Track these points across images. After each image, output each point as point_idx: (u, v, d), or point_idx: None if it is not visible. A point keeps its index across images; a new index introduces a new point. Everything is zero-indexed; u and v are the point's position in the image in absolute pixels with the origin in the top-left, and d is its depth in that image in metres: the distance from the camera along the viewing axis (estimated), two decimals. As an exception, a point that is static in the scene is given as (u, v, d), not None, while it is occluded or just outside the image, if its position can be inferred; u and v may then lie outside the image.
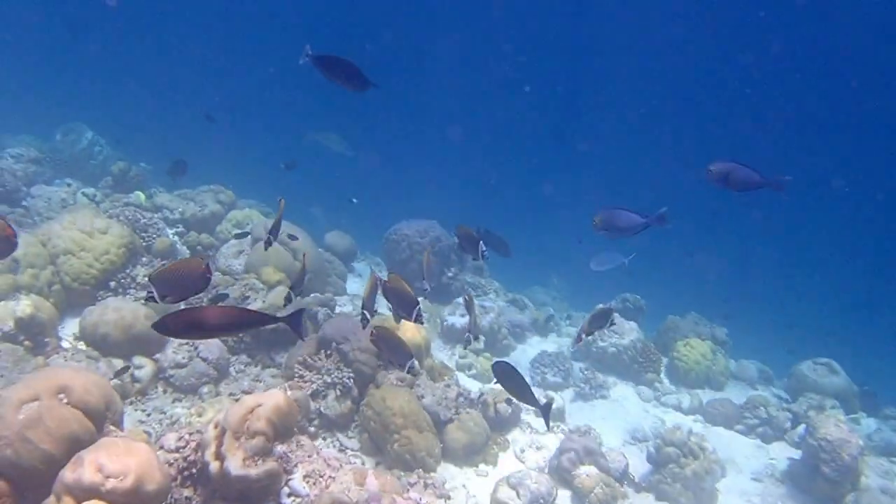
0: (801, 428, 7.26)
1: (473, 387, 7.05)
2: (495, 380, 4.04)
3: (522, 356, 7.98)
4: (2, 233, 3.39)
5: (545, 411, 4.03)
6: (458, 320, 7.64)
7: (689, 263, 17.83)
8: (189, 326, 2.99)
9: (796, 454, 6.73)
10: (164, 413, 5.19)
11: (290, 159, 9.09)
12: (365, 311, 4.19)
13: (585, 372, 7.78)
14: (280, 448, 4.39)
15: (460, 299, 7.97)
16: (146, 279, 3.29)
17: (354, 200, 9.73)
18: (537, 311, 9.51)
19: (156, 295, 3.15)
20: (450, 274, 8.45)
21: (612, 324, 3.96)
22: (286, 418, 4.43)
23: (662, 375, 8.42)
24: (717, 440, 6.84)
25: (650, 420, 7.32)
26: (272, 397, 4.42)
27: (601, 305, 9.09)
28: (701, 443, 6.02)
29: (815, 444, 6.15)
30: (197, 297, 3.80)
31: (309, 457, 4.61)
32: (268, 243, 4.29)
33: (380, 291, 4.21)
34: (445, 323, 7.66)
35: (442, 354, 7.38)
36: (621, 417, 7.25)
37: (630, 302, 9.71)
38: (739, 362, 9.65)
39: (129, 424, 5.04)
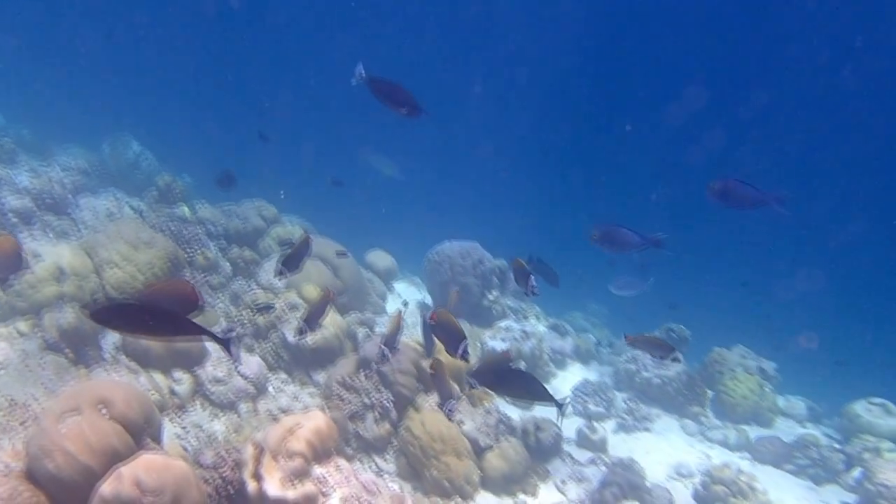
0: (857, 471, 6.87)
1: (512, 412, 6.86)
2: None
3: (563, 384, 7.77)
4: (11, 249, 3.37)
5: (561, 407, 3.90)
6: (500, 344, 7.47)
7: (740, 293, 17.27)
8: (126, 321, 2.90)
9: (850, 498, 6.37)
10: (202, 429, 5.14)
11: (337, 177, 9.13)
12: (384, 347, 4.16)
13: (629, 403, 7.52)
14: (318, 470, 4.30)
15: (502, 323, 7.82)
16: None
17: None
18: (578, 337, 9.28)
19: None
20: (491, 297, 8.30)
21: (675, 360, 3.78)
22: (325, 440, 4.34)
23: (708, 409, 8.09)
24: (765, 480, 6.50)
25: (695, 455, 7.01)
26: (312, 418, 4.34)
27: (658, 334, 8.90)
28: (751, 482, 5.72)
29: (874, 489, 5.81)
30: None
31: (347, 480, 4.50)
32: (280, 274, 4.23)
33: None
34: (486, 347, 7.50)
35: (480, 379, 7.21)
36: (665, 451, 6.97)
37: (675, 332, 9.39)
38: (787, 398, 9.25)
39: (167, 439, 5.00)
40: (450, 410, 4.05)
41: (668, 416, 7.82)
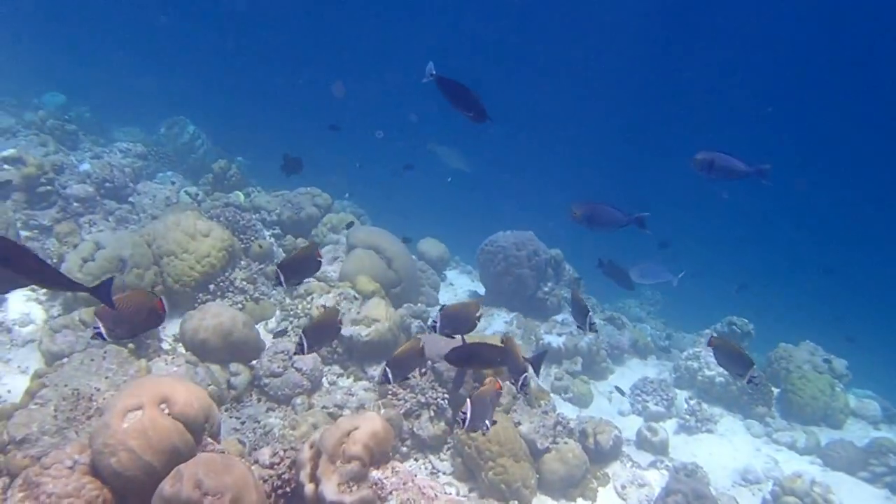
0: (939, 481, 6.44)
1: (568, 411, 6.69)
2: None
3: (621, 380, 7.52)
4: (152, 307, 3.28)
5: (536, 362, 3.76)
6: (555, 339, 7.28)
7: (814, 282, 16.50)
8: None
9: (934, 511, 5.96)
10: (259, 422, 5.13)
11: (408, 163, 9.04)
12: (388, 369, 3.77)
13: (691, 402, 7.23)
14: (375, 474, 4.22)
15: (558, 317, 7.61)
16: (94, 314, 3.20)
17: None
18: (635, 329, 8.99)
19: (102, 331, 3.03)
20: (546, 288, 8.09)
21: (752, 381, 3.51)
22: (382, 444, 4.25)
23: (774, 409, 7.73)
24: (838, 488, 6.15)
25: (762, 459, 6.69)
26: (369, 421, 4.25)
27: (720, 328, 8.53)
28: (826, 495, 5.41)
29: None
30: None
31: (404, 484, 4.41)
32: (277, 280, 3.93)
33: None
34: (541, 341, 7.32)
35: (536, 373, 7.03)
36: (730, 455, 6.67)
37: (737, 326, 9.00)
38: (860, 398, 8.76)
39: (224, 432, 5.01)
40: (522, 385, 3.86)
41: (731, 416, 7.50)
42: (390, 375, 3.60)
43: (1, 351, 5.39)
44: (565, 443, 5.41)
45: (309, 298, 6.31)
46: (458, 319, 3.79)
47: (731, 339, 8.47)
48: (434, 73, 3.50)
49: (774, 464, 6.62)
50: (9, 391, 4.95)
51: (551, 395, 6.50)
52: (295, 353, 3.75)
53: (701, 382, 7.70)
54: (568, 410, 6.67)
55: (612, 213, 4.16)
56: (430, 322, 3.89)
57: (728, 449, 6.81)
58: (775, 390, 8.06)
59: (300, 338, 3.66)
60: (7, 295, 6.04)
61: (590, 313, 3.76)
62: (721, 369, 7.61)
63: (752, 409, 7.57)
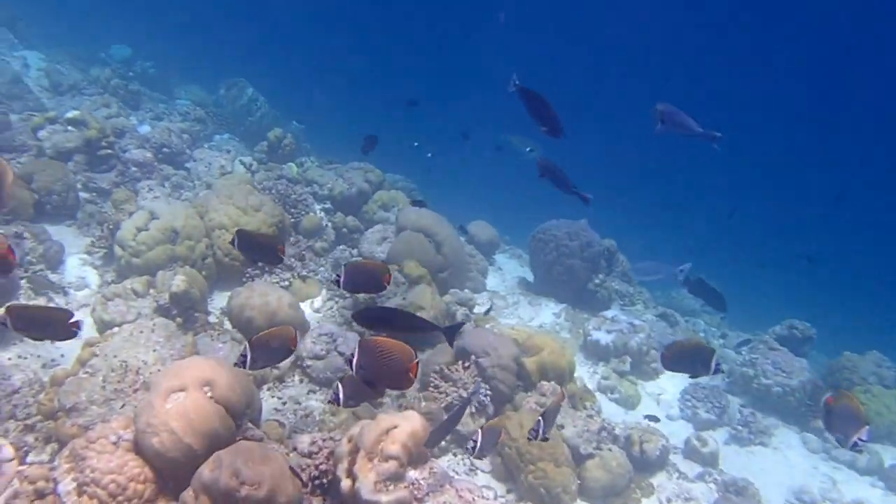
0: None
1: (613, 411, 6.48)
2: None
3: (670, 383, 7.24)
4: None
5: (450, 334, 3.43)
6: (605, 336, 7.03)
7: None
8: None
9: None
10: (300, 404, 5.11)
11: (465, 128, 8.83)
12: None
13: (745, 411, 6.91)
14: (413, 474, 4.13)
15: (609, 313, 7.34)
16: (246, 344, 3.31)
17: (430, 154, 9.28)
18: (688, 326, 8.64)
19: (248, 359, 3.30)
20: (597, 280, 7.82)
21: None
22: (421, 444, 4.15)
23: (834, 424, 7.31)
24: (900, 515, 5.81)
25: (819, 479, 6.35)
26: (409, 420, 4.16)
27: (779, 330, 8.12)
28: (888, 526, 5.07)
29: None
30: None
31: (441, 486, 4.32)
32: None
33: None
34: (589, 338, 7.09)
35: (582, 371, 6.83)
36: (784, 471, 6.36)
37: (798, 330, 8.55)
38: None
39: (265, 412, 5.01)
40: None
41: (786, 428, 7.14)
42: (249, 358, 3.30)
43: (56, 315, 5.50)
44: (609, 449, 5.22)
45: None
46: (361, 277, 3.54)
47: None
48: (517, 83, 3.52)
49: (832, 484, 6.28)
50: (62, 355, 5.05)
51: (597, 394, 6.30)
52: (234, 364, 3.37)
53: (756, 390, 7.35)
54: (613, 411, 6.46)
55: (689, 120, 4.17)
56: (333, 276, 3.71)
57: (782, 465, 6.49)
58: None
59: (244, 349, 3.31)
60: (65, 257, 6.18)
61: (715, 353, 3.51)
62: (781, 379, 7.27)
63: (811, 422, 7.20)
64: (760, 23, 25.26)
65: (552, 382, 5.29)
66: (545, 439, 3.76)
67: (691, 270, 6.70)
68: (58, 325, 3.29)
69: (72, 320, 3.32)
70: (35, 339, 3.49)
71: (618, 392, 6.65)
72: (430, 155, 8.91)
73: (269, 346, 3.34)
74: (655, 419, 6.20)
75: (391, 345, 3.00)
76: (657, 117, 4.06)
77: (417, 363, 3.02)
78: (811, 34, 24.37)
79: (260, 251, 3.90)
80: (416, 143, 8.93)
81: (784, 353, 7.54)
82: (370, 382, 3.11)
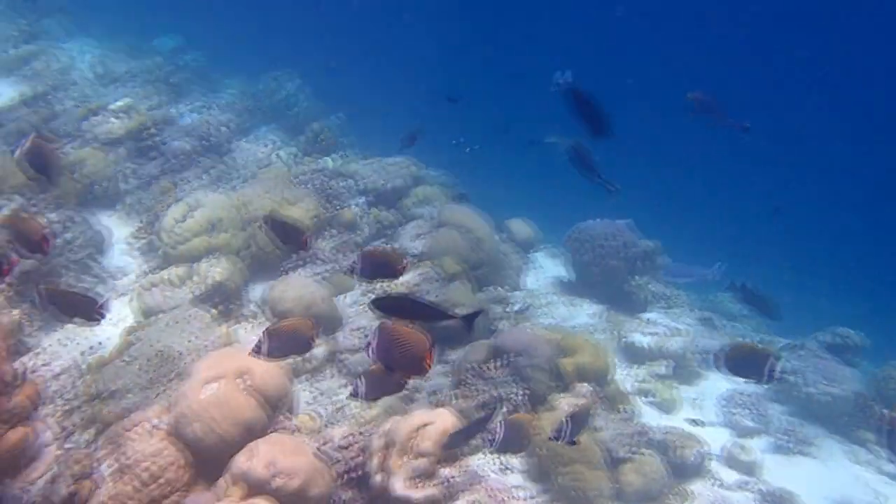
0: None
1: (650, 415, 6.34)
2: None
3: (713, 388, 7.05)
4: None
5: (468, 323, 3.30)
6: (642, 339, 6.88)
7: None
8: None
9: None
10: (333, 398, 5.12)
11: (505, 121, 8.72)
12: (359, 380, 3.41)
13: (787, 420, 6.69)
14: (444, 471, 4.10)
15: (647, 315, 7.19)
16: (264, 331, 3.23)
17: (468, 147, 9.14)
18: (731, 331, 8.40)
19: (265, 348, 3.19)
20: (635, 282, 7.67)
21: None
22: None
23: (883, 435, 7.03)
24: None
25: (865, 492, 6.11)
26: (442, 418, 4.13)
27: (823, 337, 7.85)
28: (939, 545, 4.85)
29: None
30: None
31: (472, 485, 4.28)
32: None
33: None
34: (627, 340, 6.95)
35: (619, 373, 6.69)
36: (828, 483, 6.12)
37: (847, 338, 8.23)
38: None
39: (300, 404, 5.03)
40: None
41: (831, 438, 6.88)
42: (266, 347, 3.19)
43: (98, 301, 5.60)
44: (646, 454, 5.10)
45: (391, 274, 6.22)
46: (378, 264, 3.48)
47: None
48: (570, 80, 3.50)
49: (877, 497, 6.03)
50: (101, 342, 5.15)
51: (633, 398, 6.17)
52: (249, 354, 3.28)
53: (799, 399, 7.10)
54: (650, 414, 6.32)
55: (722, 111, 4.22)
56: (350, 263, 3.57)
57: (826, 476, 6.25)
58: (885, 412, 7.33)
59: (260, 337, 3.22)
60: (108, 245, 6.31)
61: (771, 357, 3.37)
62: (827, 388, 7.02)
63: (857, 433, 6.93)
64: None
65: (589, 384, 5.18)
66: (572, 442, 3.67)
67: (723, 271, 6.52)
68: (84, 308, 3.32)
69: (99, 305, 3.34)
70: (62, 319, 3.55)
71: (655, 396, 6.51)
72: (468, 150, 8.81)
73: (286, 337, 3.26)
74: (700, 423, 6.06)
75: (407, 332, 2.96)
76: (690, 105, 4.12)
77: (432, 351, 2.98)
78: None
79: (286, 236, 3.90)
80: (461, 140, 8.83)
81: (831, 362, 7.28)
82: (388, 367, 3.07)
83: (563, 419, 3.33)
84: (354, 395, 3.27)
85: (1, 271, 3.04)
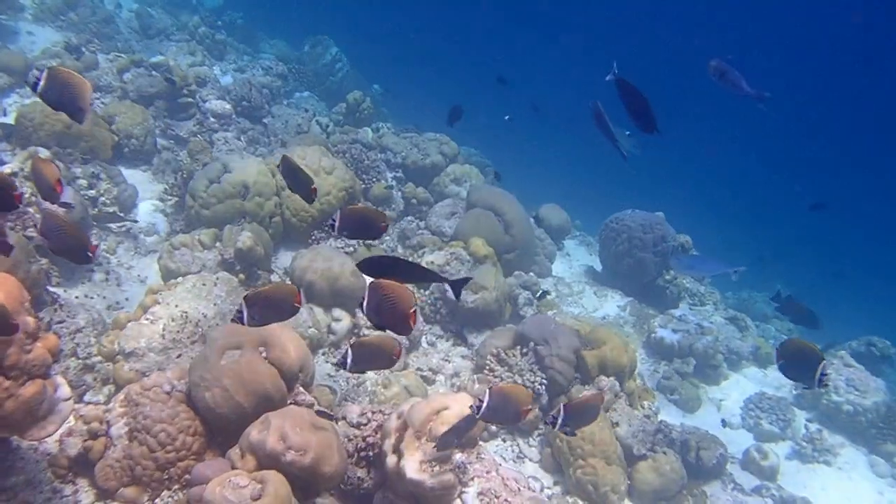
0: None
1: (672, 413, 6.23)
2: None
3: (735, 388, 6.90)
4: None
5: (456, 288, 3.19)
6: (670, 335, 6.73)
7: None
8: None
9: None
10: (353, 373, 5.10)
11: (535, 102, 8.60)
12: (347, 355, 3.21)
13: (811, 427, 6.52)
14: (459, 457, 4.04)
15: (676, 311, 7.02)
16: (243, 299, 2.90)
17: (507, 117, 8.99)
18: (759, 333, 8.20)
19: (245, 315, 2.91)
20: (667, 277, 7.49)
21: None
22: (471, 427, 4.06)
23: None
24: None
25: (885, 506, 5.97)
26: (460, 403, 4.06)
27: (856, 346, 7.62)
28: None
29: None
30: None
31: (487, 472, 4.22)
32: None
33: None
34: (654, 335, 6.80)
35: (643, 368, 6.58)
36: (846, 493, 5.99)
37: (876, 347, 8.00)
38: None
39: (318, 377, 5.02)
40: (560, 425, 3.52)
41: (854, 448, 6.71)
42: (245, 314, 2.87)
43: (125, 257, 5.64)
44: (664, 453, 5.01)
45: (420, 252, 6.14)
46: (358, 221, 3.26)
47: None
48: (616, 72, 3.39)
49: (898, 514, 5.89)
50: (126, 299, 5.18)
51: (657, 394, 6.06)
52: (231, 320, 3.00)
53: (825, 407, 6.92)
54: (672, 412, 6.22)
55: (741, 79, 4.18)
56: (328, 221, 3.36)
57: (846, 486, 6.11)
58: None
59: (241, 304, 2.92)
60: (137, 202, 6.32)
61: (823, 361, 3.06)
62: (853, 398, 6.82)
63: (880, 445, 6.74)
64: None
65: (611, 378, 5.09)
66: (566, 433, 3.53)
67: (741, 274, 6.30)
68: (76, 249, 3.22)
69: (89, 249, 3.22)
70: (53, 251, 3.40)
71: (678, 394, 6.39)
72: (507, 118, 8.68)
73: (266, 304, 2.99)
74: (729, 425, 5.95)
75: (394, 289, 2.86)
76: (711, 73, 4.10)
77: (416, 311, 2.89)
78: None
79: (298, 185, 3.67)
80: (507, 117, 8.73)
81: (859, 371, 7.07)
82: (378, 326, 2.97)
83: (560, 406, 3.19)
84: (342, 365, 3.13)
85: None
